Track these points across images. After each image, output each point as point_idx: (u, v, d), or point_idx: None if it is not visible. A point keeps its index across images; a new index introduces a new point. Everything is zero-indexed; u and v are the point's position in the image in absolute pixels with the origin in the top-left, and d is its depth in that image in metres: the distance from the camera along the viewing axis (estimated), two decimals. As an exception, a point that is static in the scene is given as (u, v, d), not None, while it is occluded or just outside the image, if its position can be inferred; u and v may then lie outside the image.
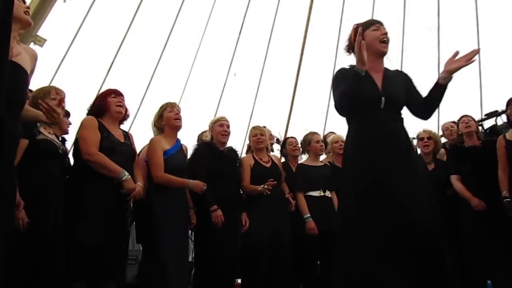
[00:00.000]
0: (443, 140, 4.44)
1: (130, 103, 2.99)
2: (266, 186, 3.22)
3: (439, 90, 2.13)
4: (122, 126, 2.98)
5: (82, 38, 5.56)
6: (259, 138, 3.60)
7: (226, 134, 3.36)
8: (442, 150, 4.04)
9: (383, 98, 2.14)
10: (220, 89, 7.00)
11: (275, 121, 6.71)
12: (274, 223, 3.31)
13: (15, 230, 2.12)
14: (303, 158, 4.01)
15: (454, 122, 4.02)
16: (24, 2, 1.99)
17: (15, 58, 1.82)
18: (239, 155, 3.67)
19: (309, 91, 6.95)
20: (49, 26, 4.94)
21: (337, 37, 7.17)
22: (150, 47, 6.33)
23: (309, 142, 3.87)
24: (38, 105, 2.01)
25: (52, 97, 2.61)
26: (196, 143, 3.78)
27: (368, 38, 2.19)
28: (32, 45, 4.75)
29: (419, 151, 3.90)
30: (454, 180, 3.52)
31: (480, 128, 4.67)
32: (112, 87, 2.97)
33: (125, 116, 2.93)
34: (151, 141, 3.07)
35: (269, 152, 3.79)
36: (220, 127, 3.36)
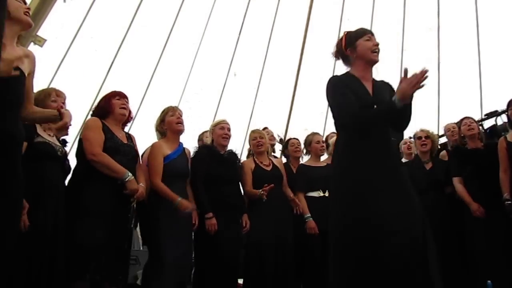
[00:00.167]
0: (445, 140, 4.44)
1: (130, 103, 2.99)
2: (262, 192, 3.23)
3: (404, 109, 2.11)
4: (122, 127, 2.99)
5: (82, 38, 5.57)
6: (259, 142, 3.59)
7: (227, 137, 3.36)
8: (444, 152, 4.04)
9: (375, 106, 2.19)
10: (220, 89, 7.01)
11: (275, 121, 6.72)
12: (276, 224, 3.31)
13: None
14: (306, 159, 4.01)
15: (456, 123, 4.02)
16: (25, 3, 1.98)
17: (15, 61, 1.82)
18: (239, 157, 3.66)
19: (309, 91, 6.96)
20: (49, 26, 4.95)
21: (337, 37, 7.17)
22: (150, 47, 6.34)
23: (309, 142, 3.87)
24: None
25: (52, 99, 2.61)
26: (197, 143, 3.79)
27: (360, 47, 2.25)
28: (32, 45, 4.76)
29: (416, 150, 3.93)
30: (456, 182, 3.52)
31: (480, 128, 4.68)
32: (113, 88, 2.99)
33: (128, 119, 2.95)
34: (152, 146, 3.08)
35: (270, 155, 3.79)
36: (221, 130, 3.36)
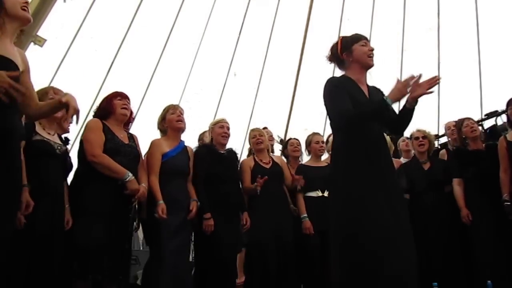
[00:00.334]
0: (445, 139, 4.44)
1: (130, 103, 3.00)
2: (256, 184, 3.25)
3: (407, 113, 2.27)
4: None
5: (82, 38, 5.56)
6: (258, 139, 3.61)
7: (226, 136, 3.37)
8: (443, 151, 4.04)
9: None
10: (220, 89, 7.00)
11: (275, 121, 6.72)
12: (276, 222, 3.31)
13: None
14: (305, 159, 4.01)
15: (455, 123, 4.01)
16: None
17: (8, 54, 1.80)
18: (239, 156, 3.67)
19: (309, 91, 6.95)
20: (49, 26, 4.94)
21: (337, 37, 7.17)
22: (150, 47, 6.33)
23: (309, 142, 3.88)
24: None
25: (50, 97, 2.60)
26: (198, 143, 3.79)
27: (356, 51, 2.34)
28: (32, 45, 4.75)
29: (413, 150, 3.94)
30: (455, 184, 3.53)
31: (480, 128, 4.68)
32: (113, 88, 3.02)
33: (130, 119, 2.97)
34: (151, 143, 3.10)
35: (270, 153, 3.79)
36: (221, 128, 3.37)
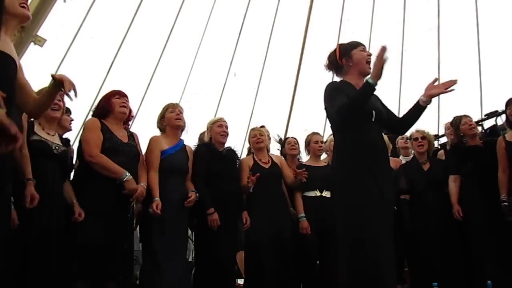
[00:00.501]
0: (444, 139, 4.44)
1: (130, 103, 3.00)
2: (248, 181, 3.24)
3: (418, 110, 2.35)
4: (122, 127, 2.98)
5: (82, 38, 5.56)
6: (258, 138, 3.61)
7: (225, 134, 3.38)
8: (442, 151, 4.04)
9: (373, 112, 2.29)
10: (220, 89, 7.00)
11: (275, 121, 6.72)
12: (274, 222, 3.30)
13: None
14: (303, 158, 4.01)
15: (451, 122, 4.01)
16: None
17: (8, 50, 1.80)
18: (239, 155, 3.67)
19: (309, 91, 6.95)
20: (49, 26, 4.94)
21: (337, 37, 7.18)
22: (150, 47, 6.33)
23: (308, 142, 3.88)
24: None
25: None
26: (198, 143, 3.79)
27: (356, 56, 2.41)
28: (32, 45, 4.75)
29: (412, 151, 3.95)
30: (451, 181, 3.54)
31: (480, 128, 4.68)
32: (113, 88, 3.00)
33: (129, 117, 2.97)
34: (150, 140, 3.11)
35: (269, 153, 3.79)
36: (219, 127, 3.38)
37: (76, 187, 2.68)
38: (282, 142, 4.12)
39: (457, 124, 3.66)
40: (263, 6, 7.06)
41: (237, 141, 3.93)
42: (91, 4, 5.49)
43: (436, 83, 2.32)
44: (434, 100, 2.46)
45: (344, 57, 2.43)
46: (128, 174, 2.64)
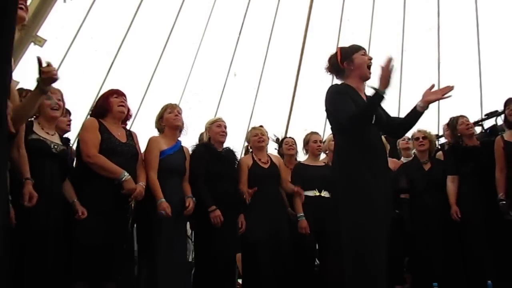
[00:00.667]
0: (443, 140, 4.44)
1: (130, 103, 3.00)
2: (245, 196, 3.28)
3: (416, 115, 2.39)
4: (122, 126, 2.97)
5: (82, 38, 5.56)
6: (260, 137, 3.60)
7: (224, 134, 3.38)
8: (440, 152, 4.04)
9: (374, 115, 2.31)
10: (220, 89, 7.00)
11: (275, 121, 6.72)
12: (272, 223, 3.30)
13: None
14: (301, 158, 4.01)
15: (448, 123, 4.01)
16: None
17: None
18: (238, 155, 3.67)
19: (309, 91, 6.95)
20: (49, 26, 4.94)
21: (337, 37, 7.18)
22: (150, 47, 6.33)
23: (307, 141, 3.88)
24: None
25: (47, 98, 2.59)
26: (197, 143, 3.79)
27: (357, 59, 2.43)
28: (32, 45, 4.75)
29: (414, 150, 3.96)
30: (449, 181, 3.55)
31: (480, 128, 4.68)
32: (113, 88, 2.98)
33: (127, 116, 2.96)
34: (148, 140, 3.10)
35: (268, 153, 3.79)
36: (218, 127, 3.38)
37: (74, 187, 2.66)
38: (280, 142, 4.12)
39: (454, 125, 3.67)
40: (263, 6, 7.06)
41: (237, 142, 3.92)
42: (91, 4, 5.49)
43: (434, 89, 2.35)
44: (434, 100, 2.47)
45: (345, 61, 2.45)
46: (126, 174, 2.63)
